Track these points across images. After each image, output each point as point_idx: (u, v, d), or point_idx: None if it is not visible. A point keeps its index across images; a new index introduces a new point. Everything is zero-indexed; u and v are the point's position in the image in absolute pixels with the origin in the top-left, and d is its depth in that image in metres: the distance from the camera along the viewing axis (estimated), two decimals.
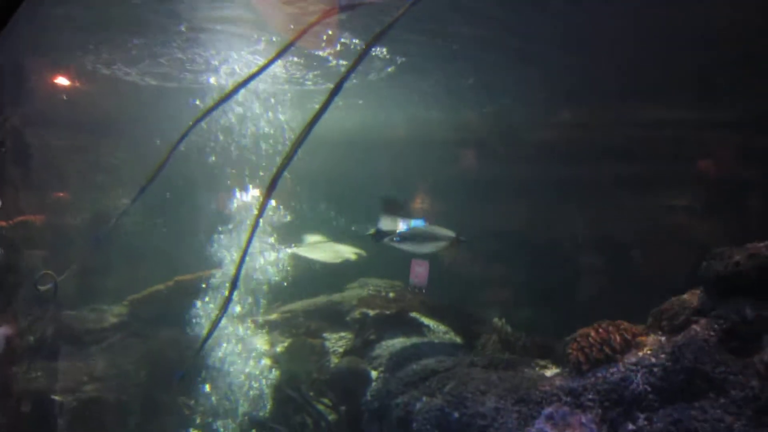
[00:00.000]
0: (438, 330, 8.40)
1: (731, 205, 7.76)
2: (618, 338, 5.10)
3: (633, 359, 4.88)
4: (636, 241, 8.66)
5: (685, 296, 5.19)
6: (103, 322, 8.43)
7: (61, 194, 9.91)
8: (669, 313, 5.19)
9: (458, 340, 7.82)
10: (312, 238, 9.87)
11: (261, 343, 8.63)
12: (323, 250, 9.72)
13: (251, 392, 7.52)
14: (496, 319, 8.58)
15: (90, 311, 8.53)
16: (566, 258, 9.42)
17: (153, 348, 8.21)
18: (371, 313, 8.70)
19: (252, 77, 3.85)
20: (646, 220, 8.71)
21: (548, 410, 4.90)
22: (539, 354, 6.59)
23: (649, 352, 4.87)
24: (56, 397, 7.30)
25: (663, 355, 4.68)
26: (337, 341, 8.59)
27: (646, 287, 5.77)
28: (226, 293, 4.37)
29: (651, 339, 5.10)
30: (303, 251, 9.49)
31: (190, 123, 4.01)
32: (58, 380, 7.24)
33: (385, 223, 7.38)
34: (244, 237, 8.00)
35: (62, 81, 9.66)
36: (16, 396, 6.77)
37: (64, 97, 9.78)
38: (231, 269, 8.98)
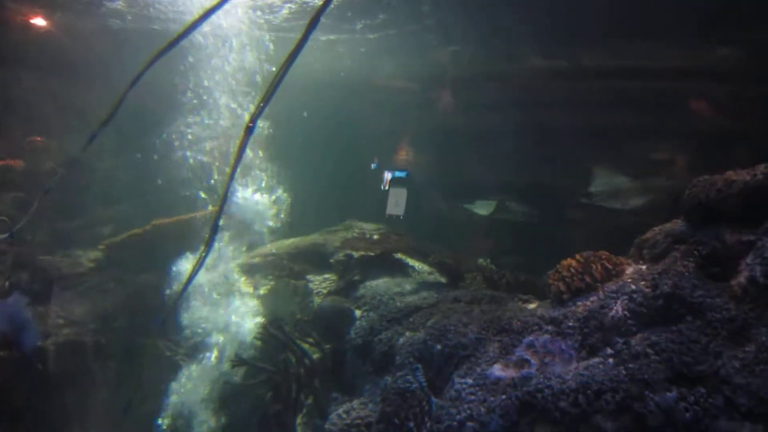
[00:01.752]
0: (422, 270, 8.43)
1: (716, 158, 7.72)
2: (599, 268, 5.13)
3: (613, 287, 4.91)
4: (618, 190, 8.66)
5: (666, 225, 5.20)
6: (78, 267, 8.32)
7: (38, 139, 9.66)
8: (650, 242, 5.21)
9: (442, 279, 7.86)
10: None
11: (244, 285, 8.62)
12: None
13: (235, 333, 7.54)
14: (480, 260, 8.64)
15: (65, 256, 8.40)
16: (550, 205, 9.45)
17: (132, 292, 8.14)
18: (355, 254, 8.71)
19: (209, 13, 3.69)
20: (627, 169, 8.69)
21: (529, 339, 4.94)
22: (522, 290, 6.64)
23: (629, 280, 4.90)
24: (39, 343, 7.25)
25: (643, 282, 4.70)
26: (320, 283, 8.59)
27: (629, 234, 5.75)
28: (207, 236, 4.29)
29: (632, 268, 5.14)
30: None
31: (144, 65, 3.84)
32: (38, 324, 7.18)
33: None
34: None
35: (33, 21, 9.29)
36: None
37: (34, 38, 9.42)
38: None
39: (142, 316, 7.78)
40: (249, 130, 3.80)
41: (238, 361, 6.91)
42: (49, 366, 7.02)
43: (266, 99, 3.56)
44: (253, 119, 3.83)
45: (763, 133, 6.82)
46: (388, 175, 10.80)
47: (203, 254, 3.69)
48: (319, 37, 10.13)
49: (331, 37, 10.25)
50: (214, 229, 3.94)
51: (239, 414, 6.73)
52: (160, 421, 7.10)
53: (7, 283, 7.23)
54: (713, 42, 7.76)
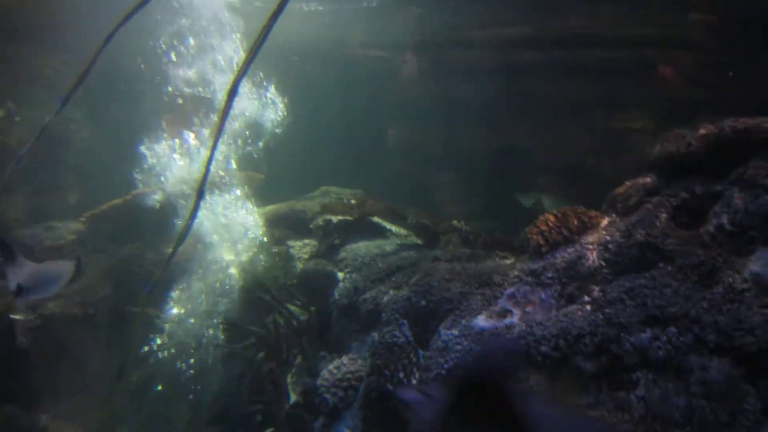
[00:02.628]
0: (400, 233, 8.60)
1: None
2: (575, 221, 5.36)
3: (589, 239, 5.15)
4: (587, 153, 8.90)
5: (638, 180, 5.44)
6: (59, 239, 8.23)
7: None
8: (623, 195, 5.45)
9: (420, 241, 8.03)
10: None
11: (226, 252, 8.67)
12: None
13: (221, 298, 7.64)
14: (455, 221, 8.85)
15: (44, 229, 8.31)
16: (519, 171, 9.66)
17: (116, 263, 8.11)
18: (334, 219, 8.81)
19: None
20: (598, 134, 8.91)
21: (510, 290, 5.17)
22: (499, 248, 6.87)
23: (604, 231, 5.15)
24: (15, 316, 7.21)
25: (617, 233, 4.95)
26: (301, 248, 8.70)
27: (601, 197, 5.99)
28: (192, 204, 4.34)
29: (606, 220, 5.38)
30: None
31: (111, 29, 3.83)
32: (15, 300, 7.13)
33: None
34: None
35: None
36: None
37: None
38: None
39: (128, 286, 7.78)
40: (231, 93, 3.86)
41: (228, 325, 7.03)
42: (37, 339, 7.01)
43: (247, 64, 3.64)
44: (235, 83, 3.89)
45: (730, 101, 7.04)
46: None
47: (189, 220, 3.75)
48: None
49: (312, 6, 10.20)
50: (200, 194, 4.00)
51: (231, 374, 6.87)
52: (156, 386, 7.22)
53: None
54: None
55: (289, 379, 6.51)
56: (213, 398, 7.13)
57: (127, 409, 7.37)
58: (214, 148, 4.31)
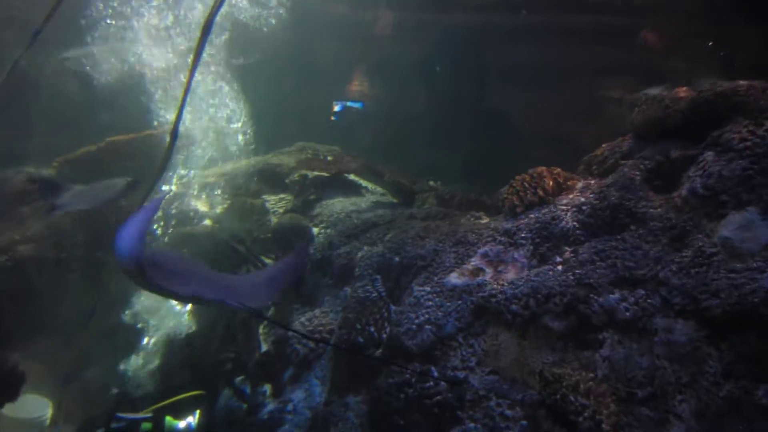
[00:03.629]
0: (376, 191, 8.57)
1: None
2: (551, 182, 5.36)
3: (564, 200, 5.16)
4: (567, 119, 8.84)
5: (615, 142, 5.44)
6: (32, 183, 8.03)
7: None
8: (599, 158, 5.46)
9: (396, 199, 8.01)
10: None
11: (200, 204, 8.55)
12: None
13: (194, 248, 7.56)
14: (431, 182, 8.82)
15: (16, 173, 8.09)
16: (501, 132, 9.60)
17: (89, 209, 7.95)
18: (310, 174, 8.73)
19: None
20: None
21: (483, 249, 5.19)
22: (474, 208, 6.87)
23: (578, 193, 5.16)
24: None
25: (591, 195, 4.96)
26: (277, 202, 8.63)
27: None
28: (167, 145, 4.23)
29: (582, 183, 5.39)
30: None
31: None
32: None
33: None
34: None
35: None
36: None
37: None
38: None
39: (101, 232, 7.65)
40: (205, 30, 3.73)
41: None
42: (8, 281, 6.91)
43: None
44: (209, 20, 3.75)
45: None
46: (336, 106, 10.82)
47: (163, 163, 3.67)
48: None
49: None
50: (174, 136, 3.90)
51: (204, 323, 6.86)
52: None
53: None
54: None
55: (261, 330, 6.52)
56: (185, 344, 7.15)
57: (97, 351, 7.37)
58: (187, 89, 4.19)
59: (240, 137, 9.17)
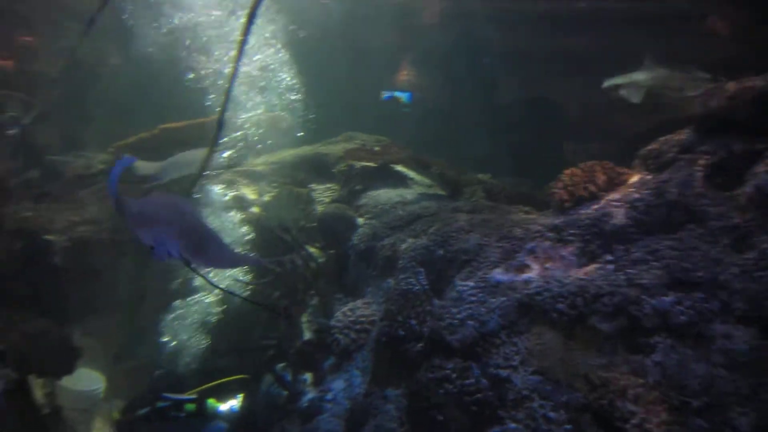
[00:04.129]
0: (423, 182, 8.46)
1: None
2: (603, 177, 5.14)
3: (616, 196, 4.93)
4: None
5: (673, 136, 5.15)
6: (90, 167, 8.32)
7: (28, 38, 9.33)
8: (655, 152, 5.18)
9: (443, 191, 7.90)
10: None
11: (248, 191, 8.66)
12: None
13: (242, 235, 7.68)
14: (480, 175, 8.64)
15: (75, 157, 8.39)
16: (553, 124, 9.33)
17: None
18: (357, 165, 8.70)
19: None
20: None
21: (530, 245, 5.02)
22: (523, 203, 6.70)
23: (632, 188, 4.92)
24: (49, 237, 7.39)
25: (646, 191, 4.72)
26: (323, 192, 8.66)
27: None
28: (214, 132, 4.27)
29: (636, 177, 5.14)
30: None
31: None
32: (50, 221, 7.30)
33: None
34: None
35: None
36: (8, 234, 6.86)
37: None
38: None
39: None
40: (251, 16, 3.71)
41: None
42: (66, 261, 7.18)
43: None
44: (256, 3, 3.73)
45: None
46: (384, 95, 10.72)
47: (212, 147, 3.71)
48: None
49: None
50: (220, 123, 3.92)
51: (248, 311, 6.96)
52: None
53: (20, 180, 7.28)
54: None
55: (303, 318, 6.56)
56: (229, 330, 7.28)
57: (147, 330, 7.60)
58: (234, 73, 4.21)
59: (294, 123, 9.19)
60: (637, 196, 4.76)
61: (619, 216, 4.71)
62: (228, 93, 3.83)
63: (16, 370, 6.16)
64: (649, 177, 5.06)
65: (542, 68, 9.29)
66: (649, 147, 5.34)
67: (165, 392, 6.68)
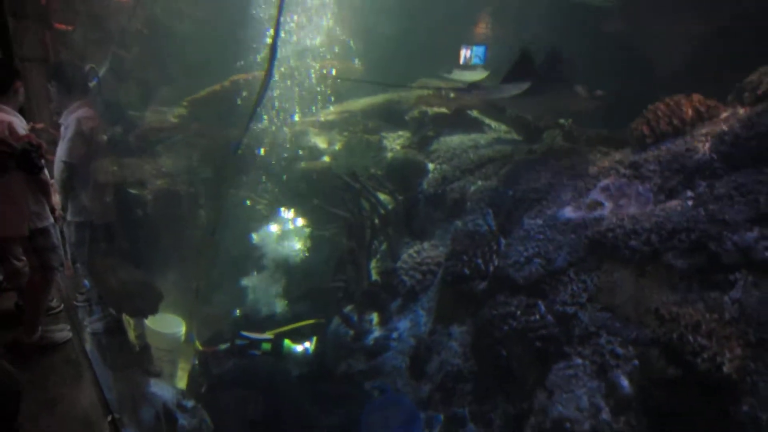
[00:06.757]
0: (499, 129, 8.21)
1: None
2: (690, 111, 4.77)
3: (703, 130, 4.58)
4: None
5: None
6: (165, 122, 8.65)
7: None
8: (752, 84, 4.74)
9: (519, 136, 7.63)
10: None
11: (319, 141, 8.75)
12: None
13: (311, 184, 7.81)
14: (561, 120, 8.25)
15: (152, 113, 8.74)
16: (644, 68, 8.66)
17: (215, 146, 8.43)
18: (430, 111, 8.56)
19: None
20: None
21: (604, 182, 4.79)
22: (604, 144, 6.35)
23: (722, 122, 4.55)
24: (132, 190, 7.79)
25: (737, 124, 4.35)
26: (394, 139, 8.58)
27: None
28: (266, 65, 4.31)
29: (728, 112, 4.75)
30: None
31: None
32: (132, 174, 7.68)
33: None
34: None
35: None
36: (102, 187, 7.30)
37: None
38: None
39: (225, 168, 8.12)
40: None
41: (314, 206, 7.20)
42: (148, 212, 7.58)
43: None
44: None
45: None
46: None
47: (265, 78, 3.77)
48: None
49: None
50: (272, 56, 3.97)
51: (318, 258, 7.12)
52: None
53: (105, 137, 7.68)
54: None
55: (373, 264, 6.62)
56: (302, 276, 7.47)
57: (225, 276, 7.92)
58: (278, 22, 4.25)
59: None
60: (725, 128, 4.40)
61: (704, 150, 4.39)
62: (274, 43, 3.90)
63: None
64: (742, 110, 4.66)
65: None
66: (748, 78, 4.88)
67: (244, 331, 6.99)
